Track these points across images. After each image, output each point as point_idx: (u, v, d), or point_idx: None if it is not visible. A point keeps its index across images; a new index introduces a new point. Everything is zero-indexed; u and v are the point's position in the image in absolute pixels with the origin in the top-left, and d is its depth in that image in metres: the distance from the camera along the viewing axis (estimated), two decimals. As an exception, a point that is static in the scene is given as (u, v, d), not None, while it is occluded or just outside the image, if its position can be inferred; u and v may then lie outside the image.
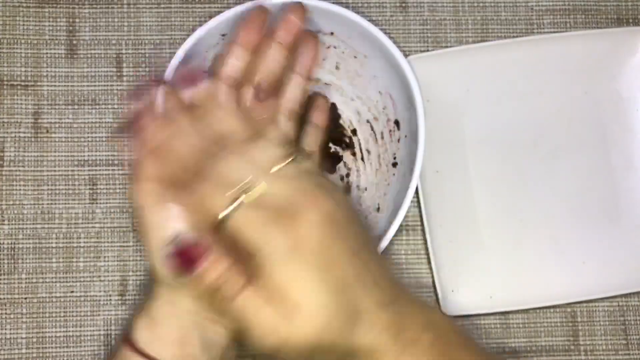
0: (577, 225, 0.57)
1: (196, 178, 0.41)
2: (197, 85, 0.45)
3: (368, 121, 0.56)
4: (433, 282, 0.55)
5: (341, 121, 0.57)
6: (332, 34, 0.53)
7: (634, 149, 0.58)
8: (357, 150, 0.57)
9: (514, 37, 0.59)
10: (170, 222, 0.39)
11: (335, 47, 0.54)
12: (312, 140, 0.50)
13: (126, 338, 0.41)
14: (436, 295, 0.55)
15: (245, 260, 0.38)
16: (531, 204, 0.57)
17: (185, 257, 0.37)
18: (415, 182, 0.50)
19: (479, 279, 0.56)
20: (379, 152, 0.56)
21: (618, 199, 0.58)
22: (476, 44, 0.58)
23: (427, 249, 0.55)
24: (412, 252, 0.57)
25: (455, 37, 0.59)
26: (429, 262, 0.56)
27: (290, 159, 0.42)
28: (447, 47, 0.59)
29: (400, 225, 0.50)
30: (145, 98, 0.43)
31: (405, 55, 0.53)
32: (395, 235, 0.50)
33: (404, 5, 0.59)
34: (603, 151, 0.58)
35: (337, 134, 0.56)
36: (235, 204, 0.40)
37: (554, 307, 0.57)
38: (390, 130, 0.55)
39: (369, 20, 0.51)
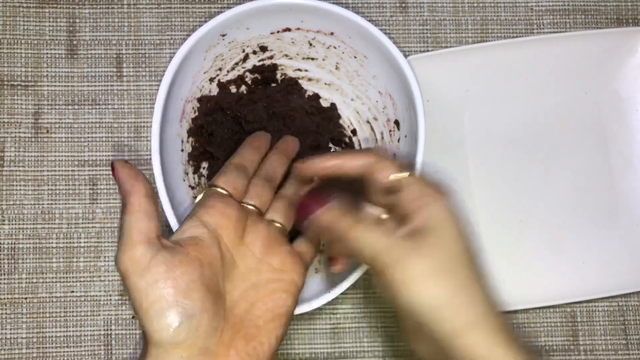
0: (577, 225, 0.57)
1: None
2: None
3: (368, 121, 0.56)
4: (433, 282, 0.55)
5: (341, 121, 0.57)
6: (332, 34, 0.53)
7: (634, 149, 0.58)
8: (357, 150, 0.57)
9: (513, 37, 0.59)
10: (159, 284, 0.39)
11: (335, 47, 0.54)
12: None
13: None
14: (436, 295, 0.55)
15: None
16: (531, 204, 0.57)
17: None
18: (415, 182, 0.50)
19: (478, 279, 0.56)
20: (379, 152, 0.56)
21: (617, 198, 0.58)
22: (476, 44, 0.58)
23: (427, 249, 0.55)
24: (412, 252, 0.57)
25: (455, 37, 0.59)
26: (429, 262, 0.56)
27: None
28: (447, 47, 0.59)
29: (400, 225, 0.50)
30: None
31: (405, 56, 0.53)
32: (395, 235, 0.50)
33: (404, 5, 0.59)
34: (602, 151, 0.58)
35: (336, 134, 0.56)
36: None
37: (554, 307, 0.57)
38: (390, 130, 0.55)
39: (369, 21, 0.51)
